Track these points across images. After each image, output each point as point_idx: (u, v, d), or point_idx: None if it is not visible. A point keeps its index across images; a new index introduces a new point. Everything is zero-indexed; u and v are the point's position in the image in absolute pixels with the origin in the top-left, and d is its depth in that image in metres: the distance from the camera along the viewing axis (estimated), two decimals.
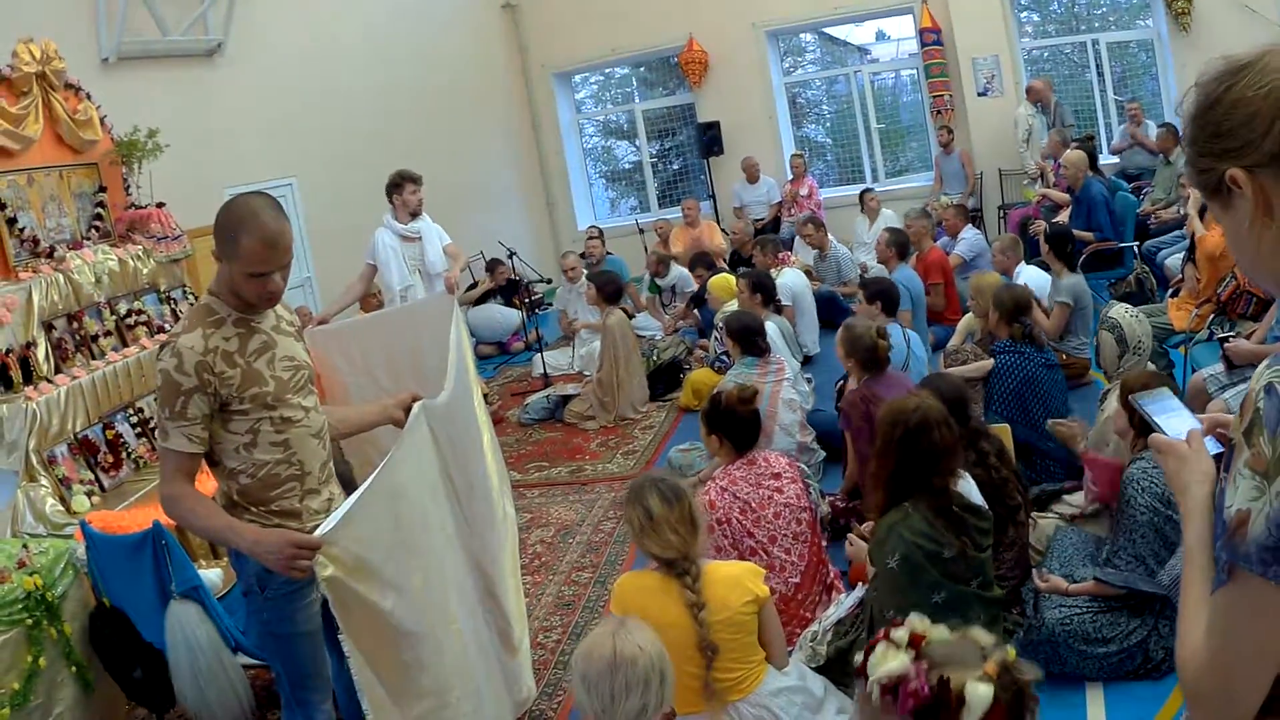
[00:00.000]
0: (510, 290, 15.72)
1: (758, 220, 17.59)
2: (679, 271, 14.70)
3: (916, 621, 2.71)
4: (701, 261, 13.87)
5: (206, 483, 4.45)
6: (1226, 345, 7.19)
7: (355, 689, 4.71)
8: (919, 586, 5.01)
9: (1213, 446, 2.24)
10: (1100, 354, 7.01)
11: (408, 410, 4.77)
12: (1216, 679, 1.96)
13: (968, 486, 5.19)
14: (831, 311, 12.58)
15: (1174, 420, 2.40)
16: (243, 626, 5.63)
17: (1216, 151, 1.93)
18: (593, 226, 17.78)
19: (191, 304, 5.78)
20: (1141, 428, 5.31)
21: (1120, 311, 6.84)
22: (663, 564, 4.55)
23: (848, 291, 13.31)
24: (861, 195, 16.09)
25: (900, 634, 2.68)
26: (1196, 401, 6.86)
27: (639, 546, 4.66)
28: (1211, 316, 8.42)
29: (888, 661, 2.64)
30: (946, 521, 4.98)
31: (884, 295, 9.46)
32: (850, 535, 6.06)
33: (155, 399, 4.23)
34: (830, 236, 14.29)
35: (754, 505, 5.94)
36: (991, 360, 7.81)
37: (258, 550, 3.92)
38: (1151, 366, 6.94)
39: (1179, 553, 4.77)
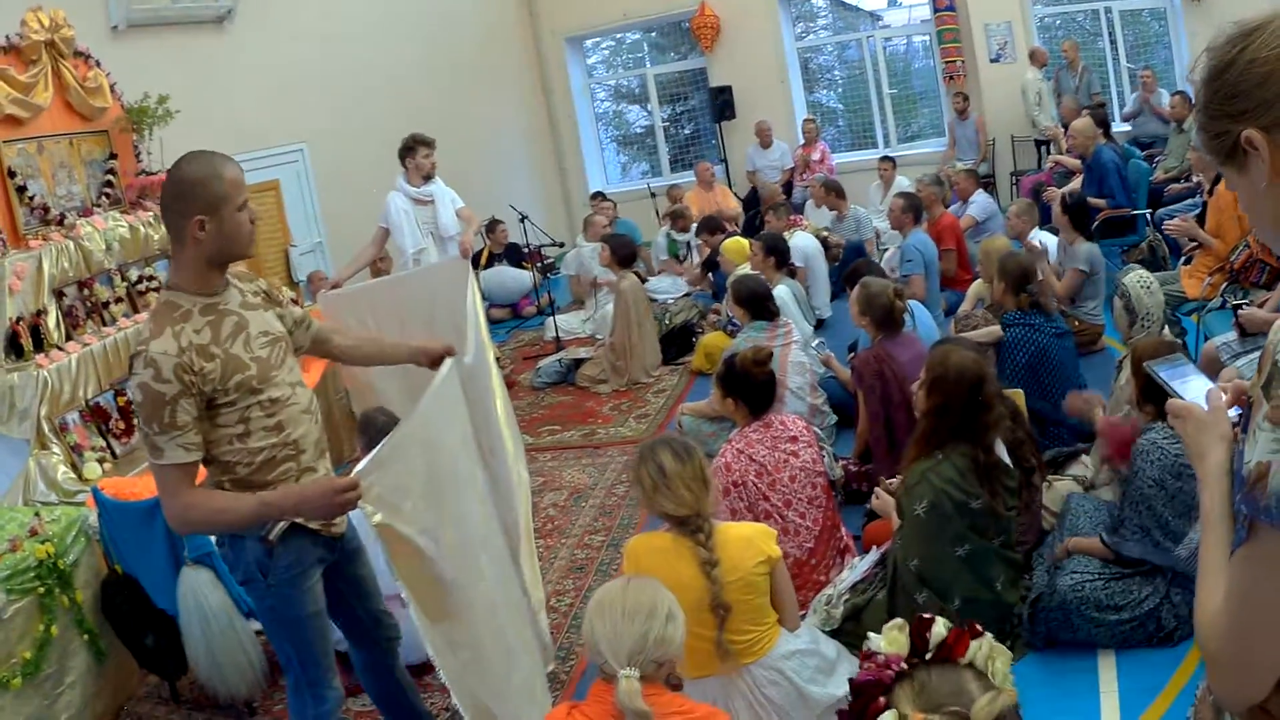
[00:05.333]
0: (513, 253, 15.71)
1: (771, 184, 17.47)
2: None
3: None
4: (707, 226, 13.85)
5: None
6: (1240, 313, 7.16)
7: (363, 654, 4.78)
8: (944, 537, 5.04)
9: (1232, 413, 2.22)
10: (1116, 321, 7.00)
11: (436, 359, 4.76)
12: (1237, 642, 1.94)
13: (999, 446, 5.21)
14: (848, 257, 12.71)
15: (1190, 385, 2.36)
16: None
17: (1231, 113, 1.91)
18: (597, 193, 17.80)
19: None
20: (1148, 394, 5.29)
21: (1132, 280, 6.80)
22: (675, 523, 4.55)
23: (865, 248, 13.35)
24: (880, 162, 15.87)
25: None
26: (1209, 369, 6.82)
27: (650, 507, 4.66)
28: (1224, 285, 8.40)
29: None
30: (978, 474, 4.99)
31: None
32: (877, 489, 6.05)
33: (137, 417, 4.00)
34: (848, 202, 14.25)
35: (769, 468, 5.93)
36: (1001, 328, 7.78)
37: (303, 508, 3.88)
38: (1167, 333, 6.91)
39: (1198, 525, 4.77)
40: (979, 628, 2.52)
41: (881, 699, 2.45)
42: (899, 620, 2.57)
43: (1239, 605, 1.93)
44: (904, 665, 2.50)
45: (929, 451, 5.16)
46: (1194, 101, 2.06)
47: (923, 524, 5.06)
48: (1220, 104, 1.94)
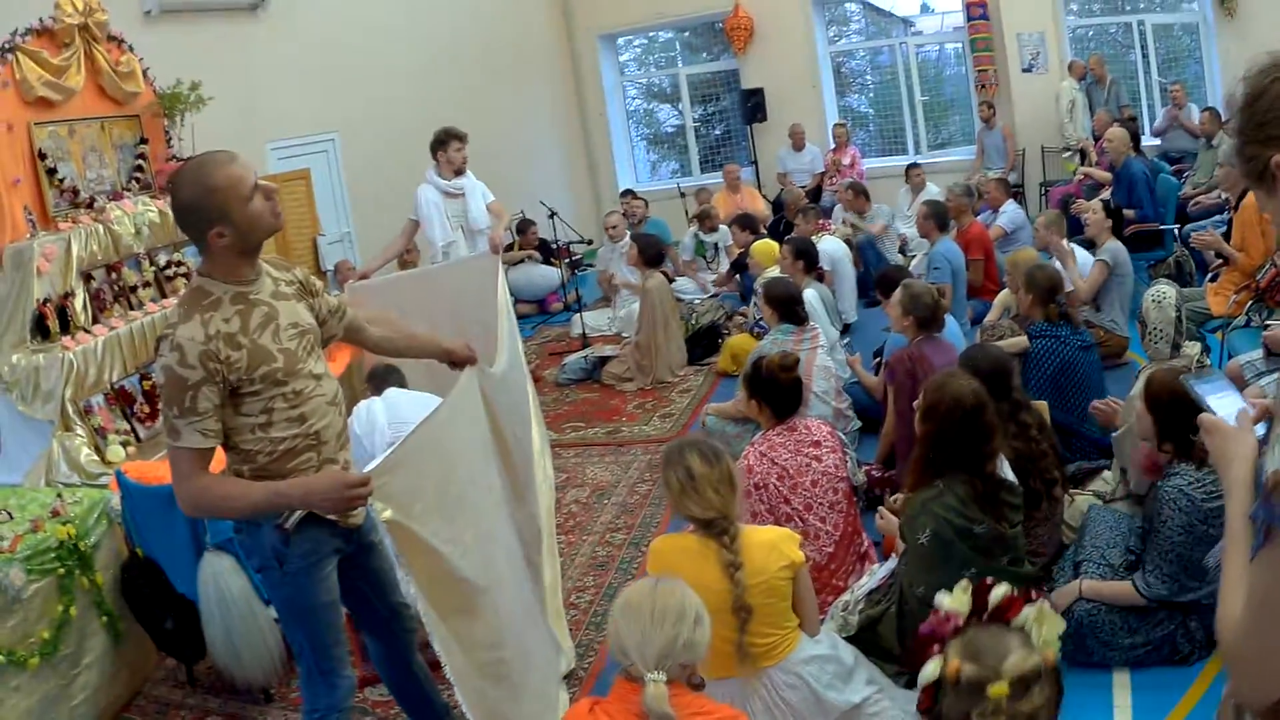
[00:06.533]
0: (544, 250, 15.73)
1: (801, 187, 17.42)
2: (724, 231, 14.77)
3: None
4: (739, 222, 13.90)
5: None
6: (1266, 334, 7.15)
7: (380, 646, 4.80)
8: (950, 563, 5.01)
9: (1260, 429, 2.26)
10: (1139, 333, 7.02)
11: (457, 362, 4.81)
12: (1256, 641, 2.01)
13: (1003, 464, 5.19)
14: (869, 260, 13.00)
15: (1224, 401, 2.41)
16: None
17: (1263, 139, 2.01)
18: (627, 190, 17.81)
19: None
20: (1165, 433, 5.25)
21: (1148, 295, 6.83)
22: (701, 525, 4.55)
23: (880, 231, 13.57)
24: (908, 170, 15.84)
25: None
26: None
27: (678, 508, 4.64)
28: (1250, 303, 8.37)
29: None
30: (980, 500, 4.97)
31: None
32: (880, 509, 6.04)
33: (160, 398, 3.98)
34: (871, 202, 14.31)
35: (791, 472, 5.94)
36: (1027, 338, 7.77)
37: (312, 499, 3.88)
38: (1197, 345, 6.91)
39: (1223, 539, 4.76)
40: (1034, 594, 2.77)
41: (936, 647, 2.71)
42: (965, 583, 2.81)
43: (1258, 606, 2.00)
44: (961, 622, 2.74)
45: (928, 480, 5.13)
46: (1225, 125, 2.11)
47: (926, 552, 5.02)
48: (1253, 130, 2.04)
